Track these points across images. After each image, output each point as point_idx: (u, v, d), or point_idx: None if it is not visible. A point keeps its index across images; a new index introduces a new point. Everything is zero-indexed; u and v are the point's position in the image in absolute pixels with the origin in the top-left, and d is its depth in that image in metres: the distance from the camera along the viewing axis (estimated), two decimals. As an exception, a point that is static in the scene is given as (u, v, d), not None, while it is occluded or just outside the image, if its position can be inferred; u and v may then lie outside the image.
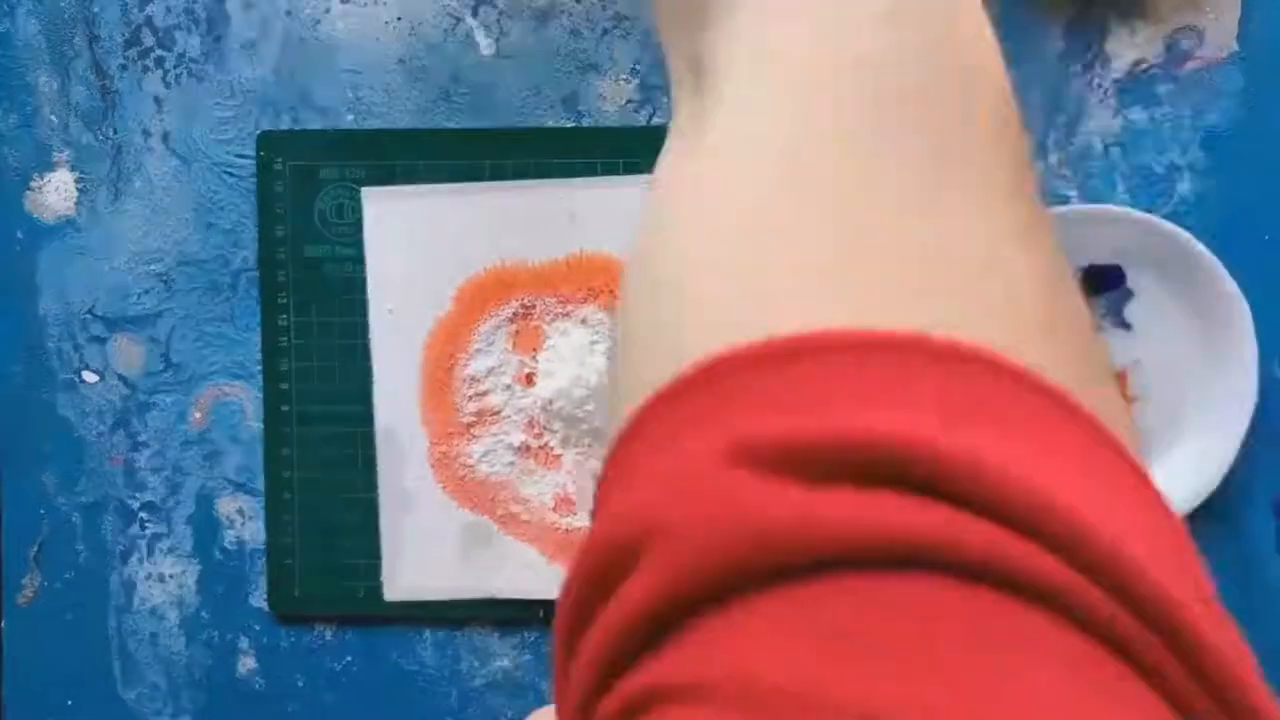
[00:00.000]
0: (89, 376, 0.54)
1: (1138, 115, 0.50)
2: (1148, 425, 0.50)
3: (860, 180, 0.19)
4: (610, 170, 0.52)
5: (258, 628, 0.54)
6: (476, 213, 0.52)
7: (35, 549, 0.55)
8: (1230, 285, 0.48)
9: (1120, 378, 0.50)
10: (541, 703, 0.54)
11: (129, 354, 0.54)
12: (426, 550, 0.53)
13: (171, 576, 0.54)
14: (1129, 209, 0.49)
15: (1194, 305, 0.49)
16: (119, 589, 0.55)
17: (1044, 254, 0.20)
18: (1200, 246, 0.48)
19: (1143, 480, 0.18)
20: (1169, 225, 0.48)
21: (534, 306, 0.52)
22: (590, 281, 0.52)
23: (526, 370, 0.52)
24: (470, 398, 0.53)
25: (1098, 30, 0.50)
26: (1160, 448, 0.50)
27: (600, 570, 0.18)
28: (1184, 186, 0.50)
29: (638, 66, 0.52)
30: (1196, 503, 0.49)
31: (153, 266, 0.54)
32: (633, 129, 0.52)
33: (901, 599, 0.15)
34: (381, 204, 0.52)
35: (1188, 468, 0.49)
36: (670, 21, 0.26)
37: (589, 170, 0.52)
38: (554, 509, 0.52)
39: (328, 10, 0.53)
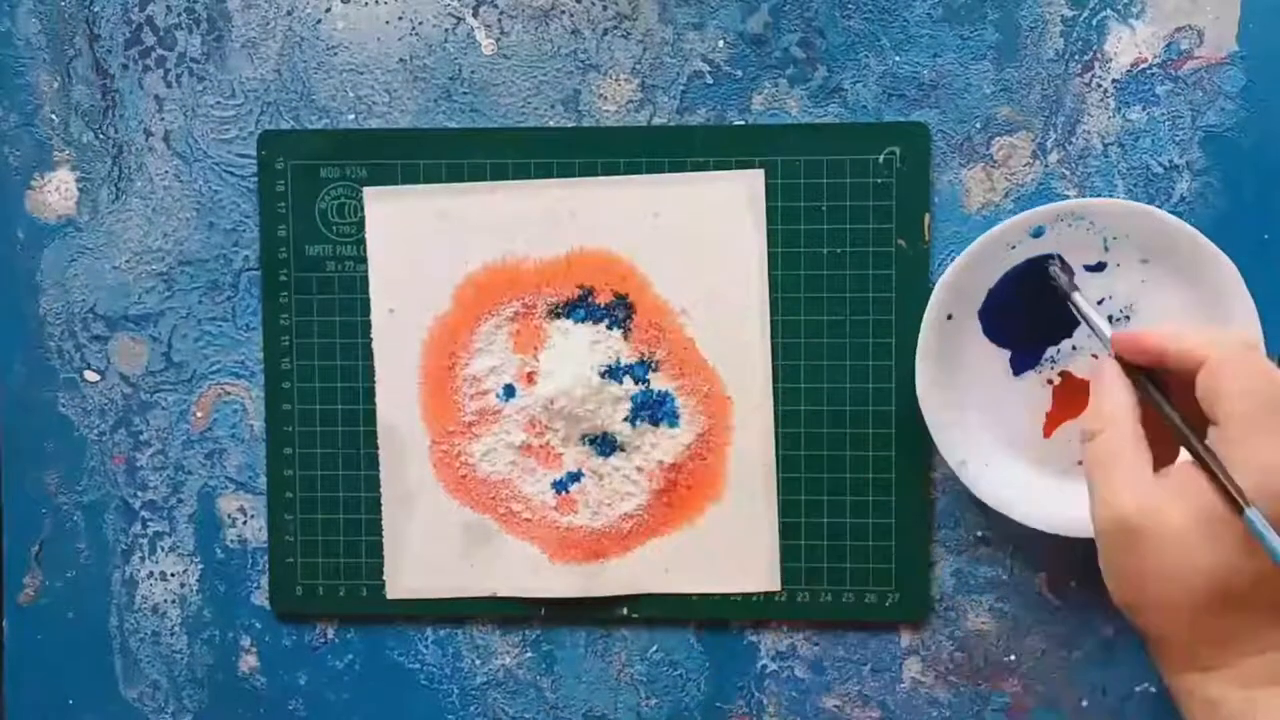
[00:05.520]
0: (90, 375, 0.54)
1: (1137, 115, 0.51)
2: None
3: None
4: (610, 170, 0.52)
5: (259, 626, 0.54)
6: (477, 213, 0.52)
7: (36, 548, 0.55)
8: (1218, 254, 0.48)
9: None
10: (542, 701, 0.54)
11: (130, 353, 0.54)
12: (428, 549, 0.53)
13: (173, 575, 0.55)
14: (1129, 201, 0.49)
15: (1188, 284, 0.49)
16: (120, 587, 0.55)
17: None
18: (1186, 226, 0.48)
19: None
20: (1155, 210, 0.48)
21: (534, 306, 0.52)
22: (591, 280, 0.52)
23: (527, 369, 0.52)
24: (471, 397, 0.53)
25: (1097, 30, 0.51)
26: None
27: None
28: (1183, 186, 0.51)
29: (638, 66, 0.52)
30: None
31: (154, 266, 0.54)
32: (633, 129, 0.52)
33: None
34: (383, 203, 0.53)
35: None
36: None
37: (589, 170, 0.52)
38: (555, 508, 0.53)
39: (328, 10, 0.53)
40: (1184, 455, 0.40)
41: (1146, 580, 0.37)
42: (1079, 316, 0.47)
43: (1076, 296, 0.47)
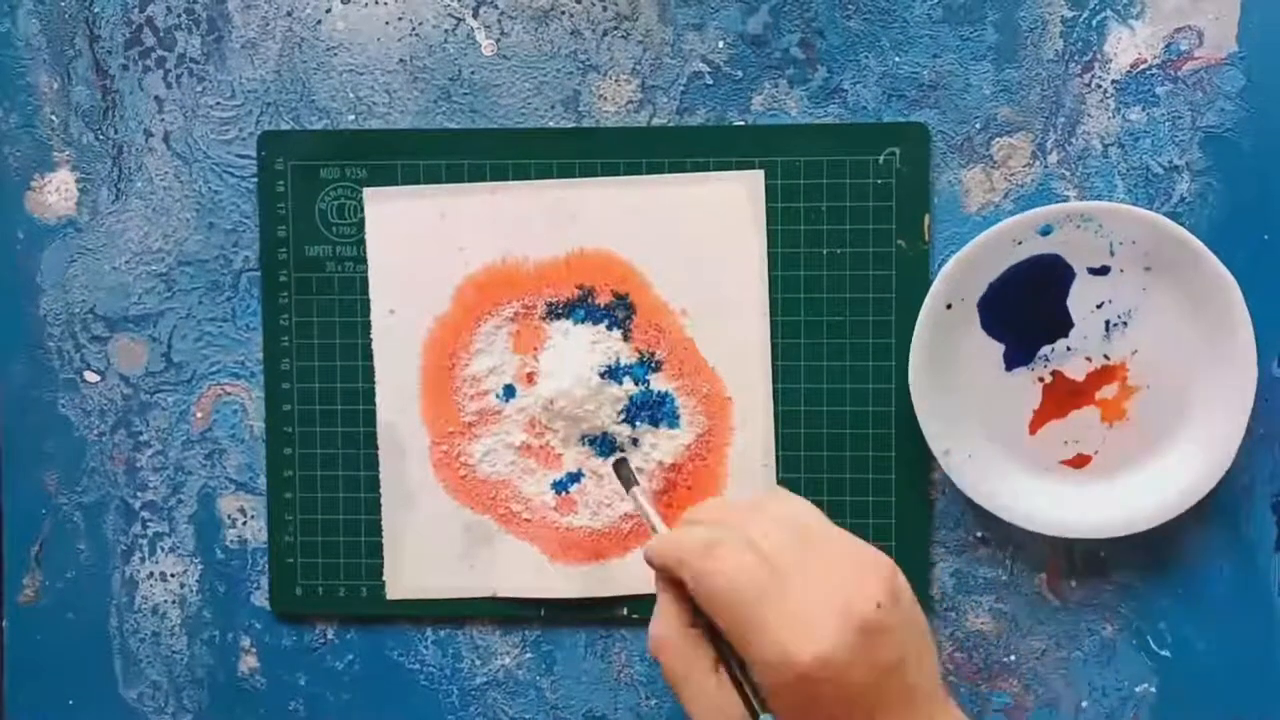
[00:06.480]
0: (90, 376, 0.54)
1: (1137, 115, 0.51)
2: (1152, 414, 0.50)
3: None
4: (610, 170, 0.52)
5: (259, 626, 0.54)
6: (476, 213, 0.52)
7: (36, 548, 0.55)
8: (1224, 274, 0.48)
9: (1120, 370, 0.50)
10: (542, 701, 0.54)
11: (130, 353, 0.54)
12: (428, 549, 0.53)
13: (173, 575, 0.55)
14: (1127, 205, 0.49)
15: (1189, 297, 0.49)
16: (120, 588, 0.55)
17: None
18: (1195, 240, 0.48)
19: None
20: (1165, 220, 0.49)
21: (534, 306, 0.52)
22: (590, 281, 0.52)
23: (527, 370, 0.52)
24: (471, 397, 0.53)
25: (1097, 30, 0.51)
26: (1165, 436, 0.50)
27: None
28: (1183, 186, 0.51)
29: (638, 67, 0.52)
30: (1205, 490, 0.49)
31: (154, 266, 0.54)
32: (633, 129, 0.52)
33: None
34: (382, 204, 0.53)
35: (1195, 455, 0.50)
36: None
37: (589, 170, 0.52)
38: (555, 508, 0.53)
39: (328, 10, 0.53)
40: None
41: None
42: (641, 513, 0.48)
43: (635, 491, 0.49)
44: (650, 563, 0.42)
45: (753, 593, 0.37)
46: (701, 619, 0.40)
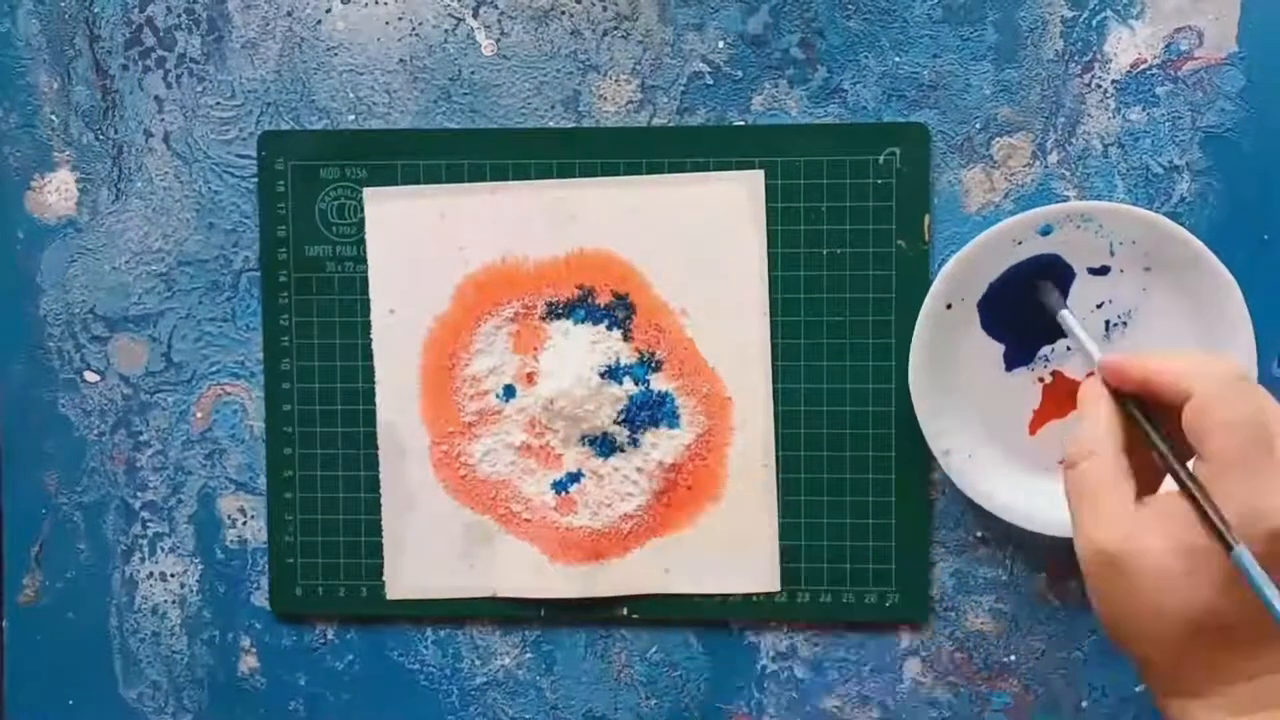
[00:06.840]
0: (90, 376, 0.54)
1: (1137, 115, 0.51)
2: None
3: None
4: (610, 170, 0.52)
5: (259, 627, 0.54)
6: (476, 213, 0.52)
7: (36, 548, 0.55)
8: (1224, 274, 0.48)
9: None
10: (542, 701, 0.54)
11: (130, 353, 0.54)
12: (428, 549, 0.53)
13: (173, 575, 0.55)
14: (1127, 205, 0.49)
15: (1189, 297, 0.49)
16: (120, 588, 0.55)
17: None
18: (1195, 240, 0.48)
19: None
20: (1165, 220, 0.48)
21: (534, 306, 0.52)
22: (590, 280, 0.52)
23: (527, 369, 0.52)
24: (471, 397, 0.53)
25: (1097, 30, 0.51)
26: None
27: None
28: (1183, 186, 0.51)
29: (638, 67, 0.52)
30: None
31: (154, 266, 0.54)
32: (633, 129, 0.52)
33: None
34: (382, 204, 0.53)
35: None
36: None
37: (589, 170, 0.52)
38: (555, 508, 0.53)
39: (328, 10, 0.53)
40: (1167, 484, 0.39)
41: (1129, 611, 0.37)
42: (1068, 336, 0.47)
43: (1065, 314, 0.47)
44: (1117, 370, 0.40)
45: (1268, 438, 0.35)
46: (1155, 446, 0.38)
